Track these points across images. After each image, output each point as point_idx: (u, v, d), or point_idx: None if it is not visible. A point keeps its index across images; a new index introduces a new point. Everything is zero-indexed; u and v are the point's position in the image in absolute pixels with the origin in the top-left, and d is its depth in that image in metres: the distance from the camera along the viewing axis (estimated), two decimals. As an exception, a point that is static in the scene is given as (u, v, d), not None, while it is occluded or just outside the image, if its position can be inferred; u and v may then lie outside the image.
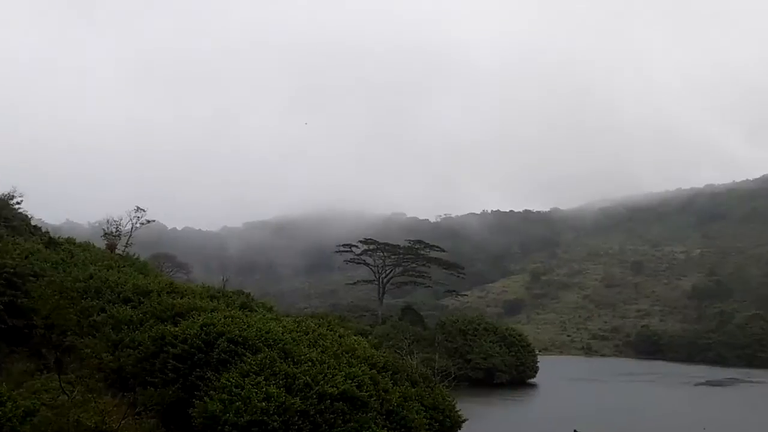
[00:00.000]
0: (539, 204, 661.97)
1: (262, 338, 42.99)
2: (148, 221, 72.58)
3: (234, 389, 36.65)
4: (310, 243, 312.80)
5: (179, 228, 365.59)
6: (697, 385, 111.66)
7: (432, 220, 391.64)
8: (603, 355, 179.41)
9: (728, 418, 74.73)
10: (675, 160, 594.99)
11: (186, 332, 41.38)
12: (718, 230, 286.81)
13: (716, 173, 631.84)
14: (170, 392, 36.37)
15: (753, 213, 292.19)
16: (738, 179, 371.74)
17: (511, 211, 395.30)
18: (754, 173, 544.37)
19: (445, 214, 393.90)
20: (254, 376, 38.12)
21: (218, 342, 40.65)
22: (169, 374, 38.78)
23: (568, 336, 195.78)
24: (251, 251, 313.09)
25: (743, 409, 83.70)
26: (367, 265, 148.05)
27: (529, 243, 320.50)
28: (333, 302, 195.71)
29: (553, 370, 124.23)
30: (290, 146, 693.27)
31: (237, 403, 35.40)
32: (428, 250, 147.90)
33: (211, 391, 37.03)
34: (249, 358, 40.02)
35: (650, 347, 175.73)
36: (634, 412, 78.70)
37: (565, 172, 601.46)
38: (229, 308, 51.34)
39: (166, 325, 42.77)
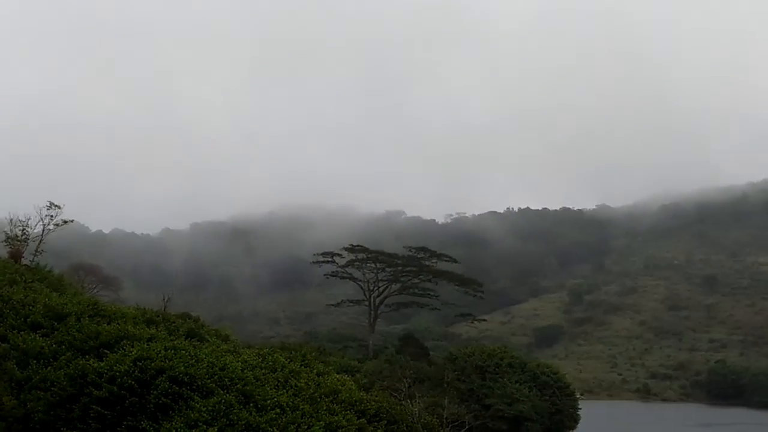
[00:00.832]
0: (582, 201, 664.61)
1: (216, 377, 42.93)
2: (65, 221, 72.28)
3: (178, 444, 36.60)
4: (278, 251, 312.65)
5: (106, 231, 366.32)
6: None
7: (440, 220, 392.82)
8: (665, 400, 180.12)
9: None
10: (760, 144, 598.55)
11: (114, 369, 41.28)
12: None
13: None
14: (93, 448, 36.33)
15: None
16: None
17: (544, 209, 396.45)
18: None
19: (457, 213, 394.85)
20: (205, 426, 38.07)
21: (157, 382, 40.57)
22: (92, 424, 38.68)
23: (620, 374, 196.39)
24: (201, 261, 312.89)
25: None
26: (355, 280, 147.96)
27: (569, 252, 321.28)
28: (309, 329, 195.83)
29: (599, 420, 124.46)
30: (253, 125, 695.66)
31: (182, 463, 35.35)
32: (435, 261, 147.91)
33: (148, 447, 36.97)
34: (198, 402, 39.95)
35: (727, 389, 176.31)
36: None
37: (616, 160, 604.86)
38: (172, 337, 51.26)
39: (87, 360, 42.70)
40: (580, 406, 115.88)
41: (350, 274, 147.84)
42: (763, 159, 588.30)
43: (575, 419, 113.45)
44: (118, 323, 51.31)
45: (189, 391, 40.91)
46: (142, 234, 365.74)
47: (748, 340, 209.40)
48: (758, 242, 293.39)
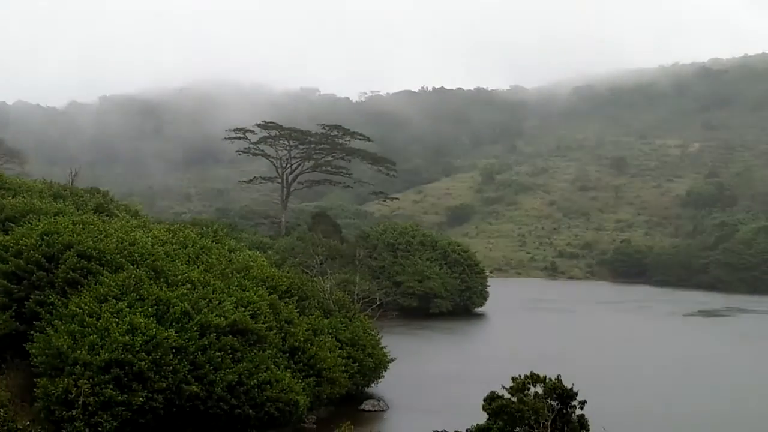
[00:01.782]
0: (495, 81, 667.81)
1: (125, 252, 42.77)
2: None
3: (87, 318, 36.57)
4: (190, 127, 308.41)
5: (9, 102, 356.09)
6: (686, 315, 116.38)
7: (354, 98, 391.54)
8: (572, 278, 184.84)
9: (718, 366, 78.31)
10: (671, 29, 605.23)
11: (20, 243, 40.82)
12: (723, 119, 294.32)
13: (724, 46, 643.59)
14: (1, 322, 36.08)
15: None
16: (752, 53, 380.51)
17: (458, 89, 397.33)
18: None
19: (371, 92, 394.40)
20: (114, 301, 38.05)
21: (65, 256, 40.25)
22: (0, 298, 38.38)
23: (528, 253, 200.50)
24: (110, 136, 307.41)
25: (738, 347, 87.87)
26: (268, 157, 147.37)
27: (481, 132, 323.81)
28: (221, 206, 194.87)
29: (507, 297, 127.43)
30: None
31: (91, 337, 35.38)
32: (348, 139, 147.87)
33: (57, 321, 36.87)
34: (107, 277, 39.84)
35: (632, 268, 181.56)
36: (602, 351, 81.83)
37: (529, 41, 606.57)
38: (80, 212, 50.71)
39: (-8, 234, 42.09)
40: (488, 284, 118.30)
41: (263, 151, 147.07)
42: (674, 43, 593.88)
43: (484, 296, 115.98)
44: (23, 197, 50.55)
45: (98, 266, 40.76)
46: (47, 107, 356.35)
47: (652, 221, 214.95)
48: (666, 125, 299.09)
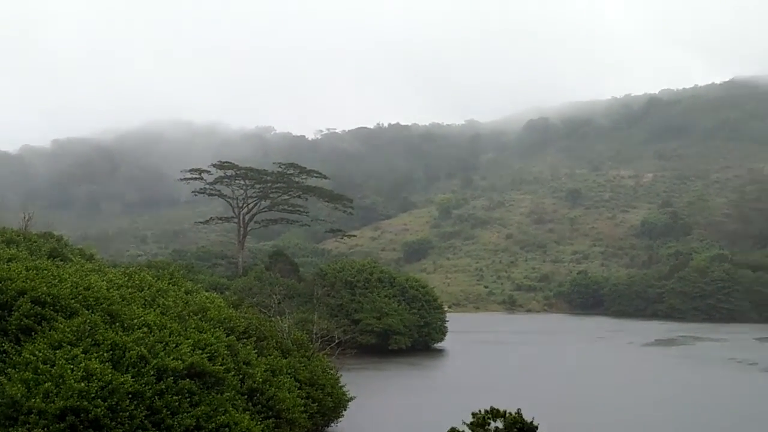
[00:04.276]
0: (450, 116, 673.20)
1: (80, 297, 42.44)
2: None
3: (41, 366, 36.17)
4: (145, 168, 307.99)
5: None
6: (644, 345, 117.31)
7: (310, 136, 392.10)
8: (530, 311, 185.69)
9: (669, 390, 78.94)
10: (621, 64, 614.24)
11: (-27, 291, 40.37)
12: (675, 149, 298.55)
13: (674, 77, 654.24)
14: (-48, 372, 35.57)
15: (720, 126, 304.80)
16: (702, 83, 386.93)
17: (414, 124, 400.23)
18: (721, 76, 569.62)
19: (327, 129, 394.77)
20: (69, 347, 37.69)
21: (18, 303, 39.87)
22: (-49, 348, 37.88)
23: (486, 287, 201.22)
24: (64, 179, 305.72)
25: (689, 373, 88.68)
26: (224, 197, 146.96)
27: (437, 167, 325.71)
28: (177, 247, 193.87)
29: (466, 332, 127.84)
30: (115, 37, 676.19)
31: (46, 384, 34.99)
32: (305, 177, 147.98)
33: (10, 369, 36.44)
34: (62, 323, 39.48)
35: (589, 299, 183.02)
36: (564, 384, 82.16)
37: (482, 76, 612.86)
38: (34, 257, 50.32)
39: (-56, 282, 41.61)
40: (447, 319, 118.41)
41: (219, 191, 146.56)
42: (626, 74, 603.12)
43: (443, 331, 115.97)
44: (-25, 244, 50.03)
45: (52, 312, 40.40)
46: (0, 151, 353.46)
47: (608, 251, 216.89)
48: (619, 156, 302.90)
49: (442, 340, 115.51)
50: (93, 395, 34.85)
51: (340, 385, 56.86)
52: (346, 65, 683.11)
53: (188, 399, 38.35)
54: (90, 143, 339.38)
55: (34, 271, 43.77)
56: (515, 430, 32.00)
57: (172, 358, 39.15)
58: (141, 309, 45.09)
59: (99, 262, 66.96)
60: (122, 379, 36.16)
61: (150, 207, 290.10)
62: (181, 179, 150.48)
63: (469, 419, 32.52)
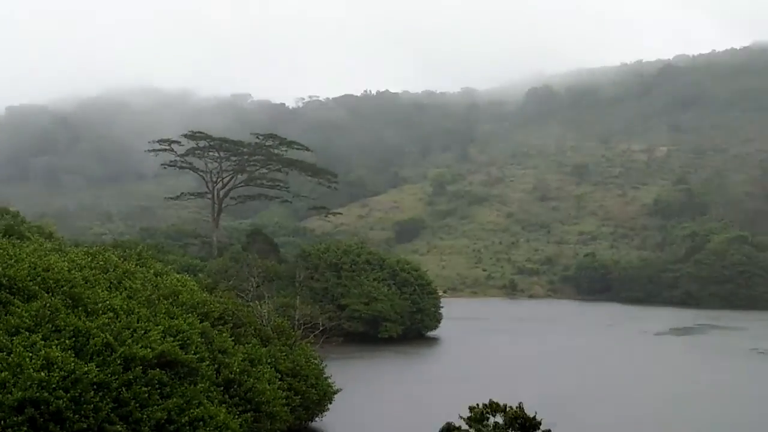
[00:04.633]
0: (445, 84, 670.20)
1: (39, 279, 42.26)
2: None
3: (-3, 353, 36.06)
4: (108, 139, 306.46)
5: None
6: (657, 334, 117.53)
7: (291, 105, 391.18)
8: (532, 296, 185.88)
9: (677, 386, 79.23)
10: (632, 27, 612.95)
11: None
12: (691, 120, 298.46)
13: (690, 42, 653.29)
14: None
15: (739, 95, 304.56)
16: (720, 49, 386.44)
17: (404, 92, 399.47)
18: (741, 41, 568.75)
19: (310, 97, 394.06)
20: (28, 333, 37.54)
21: (-29, 285, 39.74)
22: None
23: (485, 270, 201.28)
24: (19, 151, 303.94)
25: (707, 365, 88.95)
26: (196, 170, 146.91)
27: (431, 139, 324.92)
28: (145, 225, 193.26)
29: (462, 319, 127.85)
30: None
31: (2, 374, 34.84)
32: (285, 149, 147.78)
33: (-38, 358, 36.32)
34: (19, 307, 39.32)
35: (597, 284, 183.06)
36: (570, 376, 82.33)
37: (479, 41, 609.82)
38: (-13, 235, 50.03)
39: None
40: (442, 305, 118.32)
41: (191, 164, 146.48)
42: (636, 39, 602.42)
43: (437, 318, 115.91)
44: (-77, 220, 49.76)
45: (8, 295, 40.21)
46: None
47: (618, 232, 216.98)
48: (630, 129, 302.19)
49: (436, 327, 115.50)
50: (54, 386, 34.71)
51: (324, 376, 56.87)
52: (328, 27, 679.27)
53: (158, 390, 38.27)
54: (47, 112, 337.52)
55: (-11, 250, 43.60)
56: (516, 425, 31.97)
57: (140, 345, 39.03)
58: (106, 292, 44.94)
59: (59, 240, 66.74)
60: (86, 369, 36.02)
61: (115, 181, 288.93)
62: (149, 151, 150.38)
63: (466, 413, 32.49)
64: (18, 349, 35.99)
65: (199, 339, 43.72)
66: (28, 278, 41.68)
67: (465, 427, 32.10)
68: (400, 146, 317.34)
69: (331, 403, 56.46)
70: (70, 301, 41.31)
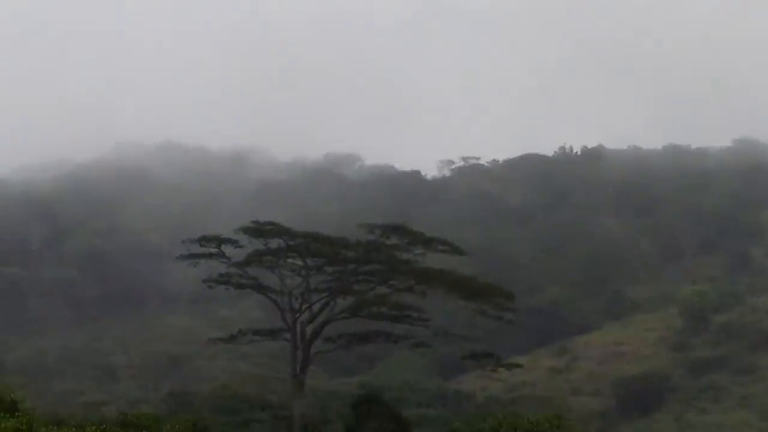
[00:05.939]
0: (694, 133, 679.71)
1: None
2: None
3: None
4: (111, 234, 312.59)
5: None
6: None
7: (430, 173, 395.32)
8: None
9: None
10: None
11: None
12: None
13: None
14: None
15: None
16: None
17: (634, 147, 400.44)
18: None
19: (463, 159, 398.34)
20: None
21: None
22: None
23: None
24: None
25: None
26: (264, 290, 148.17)
27: (678, 230, 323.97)
28: (175, 387, 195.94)
29: None
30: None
31: None
32: (422, 252, 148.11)
33: None
34: None
35: None
36: None
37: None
38: None
39: None
40: None
41: (254, 278, 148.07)
42: None
43: None
44: None
45: None
46: None
47: None
48: None
49: None
50: None
51: None
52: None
53: None
54: (12, 188, 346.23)
55: None
56: None
57: None
58: None
59: (29, 414, 67.81)
60: None
61: (123, 308, 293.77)
62: (181, 257, 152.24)
63: None
64: None
65: None
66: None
67: None
68: (623, 243, 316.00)
69: None
70: None
